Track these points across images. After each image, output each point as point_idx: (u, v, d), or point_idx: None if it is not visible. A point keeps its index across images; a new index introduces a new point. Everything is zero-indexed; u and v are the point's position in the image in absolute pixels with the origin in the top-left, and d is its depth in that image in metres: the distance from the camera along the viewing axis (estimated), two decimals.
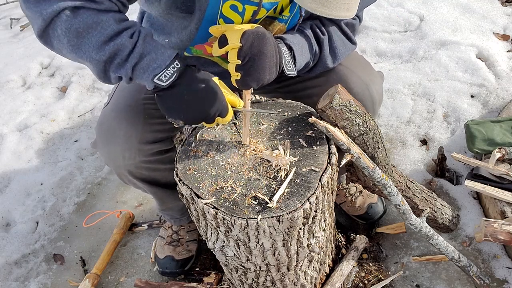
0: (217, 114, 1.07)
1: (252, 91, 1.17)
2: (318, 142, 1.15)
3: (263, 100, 1.34)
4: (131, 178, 1.31)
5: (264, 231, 1.04)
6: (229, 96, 1.11)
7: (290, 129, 1.20)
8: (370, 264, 1.59)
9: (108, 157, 1.27)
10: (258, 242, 1.08)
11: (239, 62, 1.02)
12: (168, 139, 1.34)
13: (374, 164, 1.22)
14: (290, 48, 1.14)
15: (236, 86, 1.08)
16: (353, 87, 1.28)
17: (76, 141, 2.42)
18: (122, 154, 1.24)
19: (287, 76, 1.20)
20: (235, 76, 1.05)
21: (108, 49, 0.98)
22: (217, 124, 1.16)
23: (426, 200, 1.53)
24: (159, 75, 1.00)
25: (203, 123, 1.09)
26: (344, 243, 1.64)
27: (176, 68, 1.02)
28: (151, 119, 1.26)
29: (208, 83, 1.05)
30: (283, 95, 1.43)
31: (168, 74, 1.01)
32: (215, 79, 1.09)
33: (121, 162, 1.25)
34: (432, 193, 1.59)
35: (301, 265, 1.25)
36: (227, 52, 1.05)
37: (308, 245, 1.17)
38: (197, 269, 1.71)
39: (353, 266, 1.55)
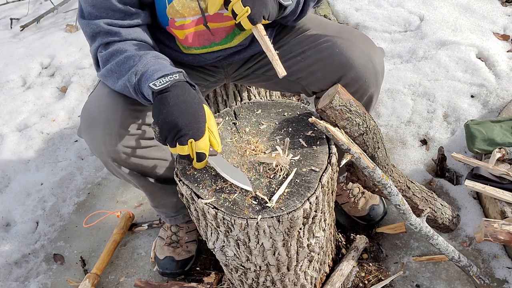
0: (190, 135, 1.03)
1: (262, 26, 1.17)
2: (318, 142, 1.15)
3: (263, 101, 1.34)
4: (116, 167, 1.29)
5: (264, 231, 1.04)
6: (211, 137, 1.08)
7: (290, 129, 1.20)
8: (370, 264, 1.59)
9: (90, 143, 1.26)
10: (258, 242, 1.08)
11: None
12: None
13: (374, 164, 1.22)
14: None
15: (249, 24, 1.11)
16: (355, 59, 1.26)
17: (76, 141, 2.42)
18: (103, 139, 1.23)
19: (291, 51, 1.29)
20: (245, 12, 1.09)
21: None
22: (191, 160, 1.08)
23: (426, 200, 1.53)
24: (155, 81, 1.06)
25: (177, 144, 1.04)
26: (344, 243, 1.64)
27: (173, 78, 1.06)
28: (132, 105, 1.26)
29: (196, 102, 1.06)
30: (289, 77, 1.36)
31: (163, 81, 1.06)
32: (206, 108, 1.08)
33: (102, 148, 1.24)
34: (432, 193, 1.59)
35: (301, 265, 1.25)
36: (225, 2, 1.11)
37: (308, 245, 1.17)
38: (197, 269, 1.71)
39: (353, 266, 1.55)
